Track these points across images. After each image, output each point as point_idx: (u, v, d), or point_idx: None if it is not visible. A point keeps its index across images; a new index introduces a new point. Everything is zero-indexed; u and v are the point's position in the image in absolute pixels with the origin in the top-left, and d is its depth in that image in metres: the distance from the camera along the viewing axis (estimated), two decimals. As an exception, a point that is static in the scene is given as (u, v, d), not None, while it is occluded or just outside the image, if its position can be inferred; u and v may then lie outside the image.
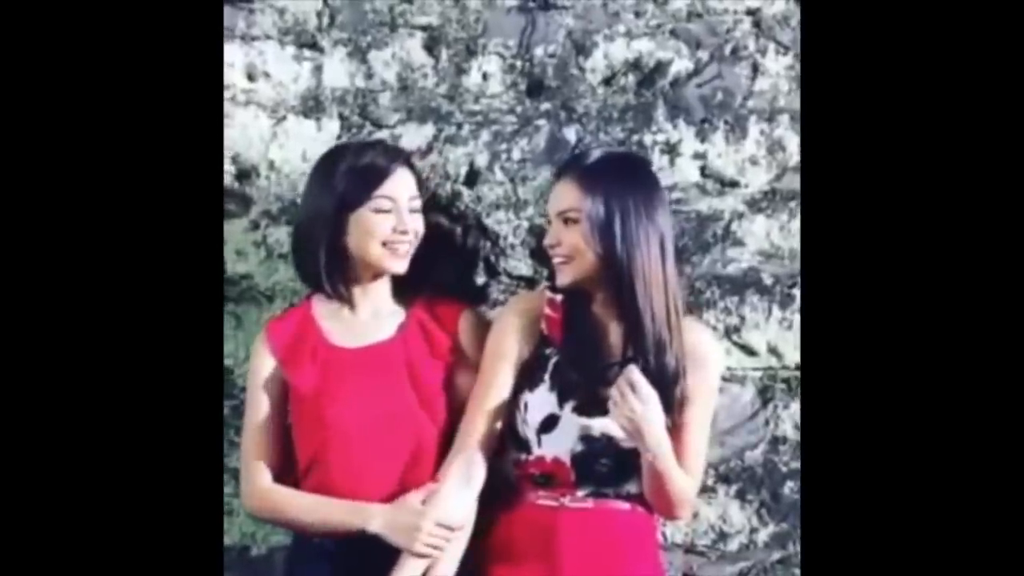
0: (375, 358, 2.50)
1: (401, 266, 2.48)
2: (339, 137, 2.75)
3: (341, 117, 2.76)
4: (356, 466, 2.45)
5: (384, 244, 2.45)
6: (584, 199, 2.37)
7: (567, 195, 2.41)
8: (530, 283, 2.75)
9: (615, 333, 2.42)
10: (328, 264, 2.45)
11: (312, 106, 2.77)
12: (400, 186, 2.47)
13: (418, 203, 2.50)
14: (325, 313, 2.55)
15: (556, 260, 2.43)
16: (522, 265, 2.77)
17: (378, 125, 2.76)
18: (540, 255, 2.63)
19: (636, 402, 2.25)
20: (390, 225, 2.45)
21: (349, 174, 2.43)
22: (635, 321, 2.36)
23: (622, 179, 2.39)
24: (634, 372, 2.28)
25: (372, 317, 2.54)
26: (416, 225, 2.48)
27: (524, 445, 2.45)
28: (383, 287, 2.55)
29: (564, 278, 2.42)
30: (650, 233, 2.36)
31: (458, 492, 2.40)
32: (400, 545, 2.39)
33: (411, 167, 2.52)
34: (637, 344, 2.36)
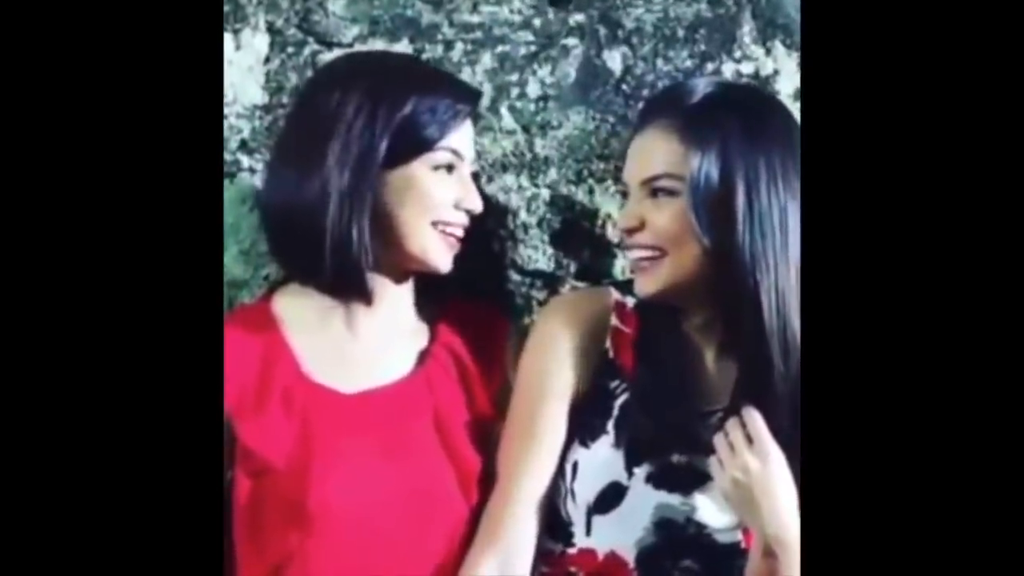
0: (388, 407, 2.04)
1: (447, 262, 2.04)
2: (267, 60, 2.36)
3: (271, 30, 2.38)
4: None
5: (435, 224, 2.02)
6: (690, 157, 1.95)
7: (661, 151, 2.00)
8: (549, 280, 2.39)
9: (717, 364, 2.06)
10: (372, 247, 1.97)
11: (229, 12, 2.39)
12: (466, 141, 2.05)
13: (474, 170, 2.13)
14: (299, 328, 2.02)
15: (637, 255, 2.03)
16: (539, 254, 2.38)
17: (326, 42, 2.38)
18: (566, 240, 2.34)
19: (753, 459, 1.94)
20: (452, 195, 2.01)
21: (406, 107, 1.97)
22: (757, 353, 1.95)
23: (748, 127, 1.97)
24: (754, 416, 1.96)
25: (383, 340, 2.06)
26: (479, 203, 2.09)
27: (564, 530, 2.05)
28: (405, 294, 2.09)
29: (648, 284, 2.02)
30: (789, 215, 1.95)
31: None
32: None
33: (473, 119, 2.10)
34: (757, 385, 1.97)
